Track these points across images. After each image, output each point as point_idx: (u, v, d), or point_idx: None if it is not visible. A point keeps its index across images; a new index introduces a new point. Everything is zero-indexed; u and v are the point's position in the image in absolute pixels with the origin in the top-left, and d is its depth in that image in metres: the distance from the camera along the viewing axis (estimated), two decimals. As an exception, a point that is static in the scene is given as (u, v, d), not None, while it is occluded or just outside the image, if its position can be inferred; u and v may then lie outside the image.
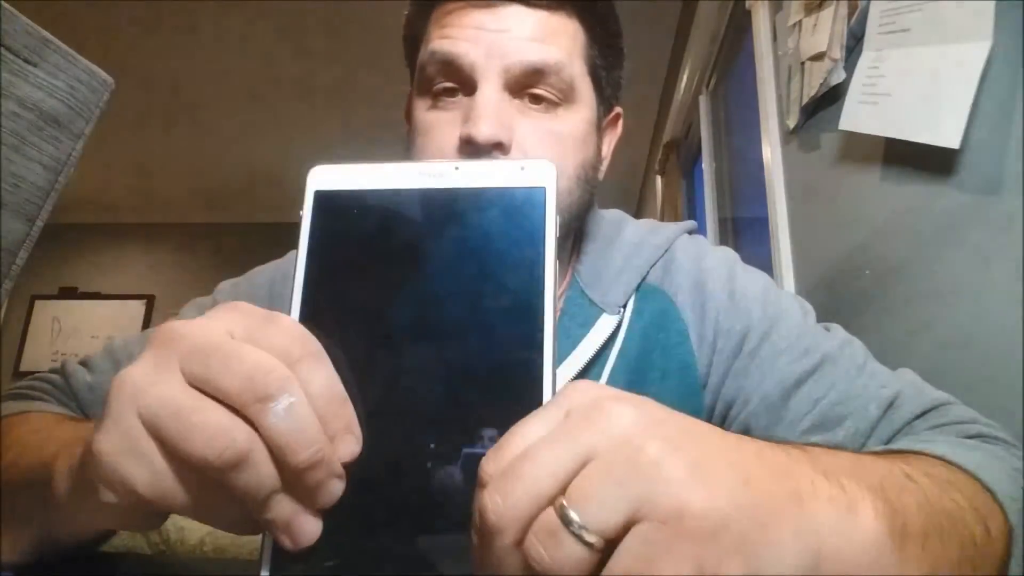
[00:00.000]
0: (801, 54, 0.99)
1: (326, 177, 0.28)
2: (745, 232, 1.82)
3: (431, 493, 0.24)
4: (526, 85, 0.51)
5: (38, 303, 3.99)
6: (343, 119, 3.07)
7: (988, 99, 0.59)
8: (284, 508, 0.24)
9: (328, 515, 0.24)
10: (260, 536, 0.26)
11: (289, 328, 0.25)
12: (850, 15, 0.85)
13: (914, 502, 0.29)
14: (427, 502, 0.24)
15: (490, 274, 0.26)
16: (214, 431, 0.23)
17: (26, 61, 0.25)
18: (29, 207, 0.27)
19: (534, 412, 0.24)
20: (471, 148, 0.48)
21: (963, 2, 0.62)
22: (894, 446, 0.40)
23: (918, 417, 0.45)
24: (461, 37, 0.50)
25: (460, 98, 0.51)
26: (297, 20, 2.37)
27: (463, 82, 0.51)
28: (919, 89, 0.67)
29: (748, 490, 0.22)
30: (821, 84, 0.91)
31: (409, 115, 0.59)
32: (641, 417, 0.23)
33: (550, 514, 0.21)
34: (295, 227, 0.28)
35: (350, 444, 0.25)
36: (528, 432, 0.23)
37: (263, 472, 0.23)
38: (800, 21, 1.00)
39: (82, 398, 0.54)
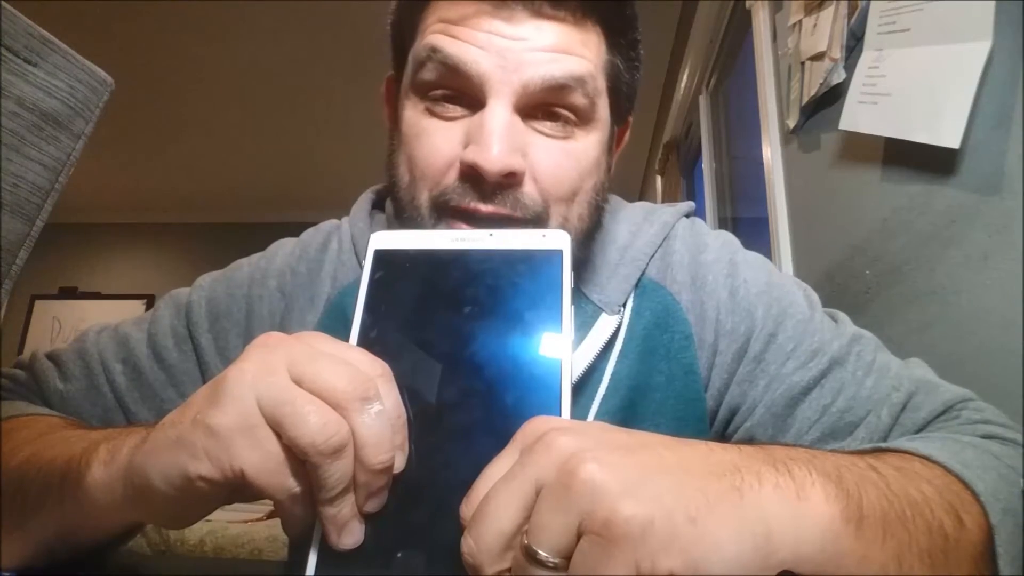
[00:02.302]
0: (801, 54, 0.99)
1: (384, 239, 0.34)
2: (745, 232, 1.82)
3: (454, 525, 0.27)
4: (544, 103, 0.45)
5: (38, 303, 3.99)
6: (345, 120, 3.07)
7: (988, 99, 0.59)
8: (348, 506, 0.27)
9: (370, 527, 0.28)
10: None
11: (366, 353, 0.29)
12: (850, 15, 0.85)
13: (873, 490, 0.29)
14: (454, 529, 0.27)
15: (517, 321, 0.31)
16: (325, 420, 0.26)
17: (26, 61, 0.25)
18: (29, 207, 0.27)
19: (499, 454, 0.27)
20: (476, 177, 0.42)
21: (963, 2, 0.62)
22: (881, 444, 0.40)
23: (930, 422, 0.44)
24: (469, 40, 0.43)
25: (461, 109, 0.45)
26: (302, 19, 2.37)
27: (468, 94, 0.44)
28: (919, 89, 0.67)
29: (677, 491, 0.24)
30: (821, 84, 0.91)
31: (390, 99, 0.52)
32: (578, 443, 0.25)
33: (519, 552, 0.24)
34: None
35: (400, 459, 0.28)
36: (491, 474, 0.26)
37: (349, 466, 0.26)
38: (800, 21, 1.00)
39: (53, 404, 0.51)
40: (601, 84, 0.47)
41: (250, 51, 2.58)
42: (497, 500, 0.25)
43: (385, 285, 0.33)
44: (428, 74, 0.45)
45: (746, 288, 0.51)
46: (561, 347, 0.30)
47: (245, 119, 3.13)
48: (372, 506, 0.27)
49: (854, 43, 0.84)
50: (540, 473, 0.25)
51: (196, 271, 0.59)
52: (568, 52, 0.44)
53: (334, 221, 0.60)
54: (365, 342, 0.31)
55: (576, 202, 0.47)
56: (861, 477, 0.29)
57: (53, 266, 3.98)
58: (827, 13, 0.91)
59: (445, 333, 0.31)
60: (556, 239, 0.33)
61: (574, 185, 0.46)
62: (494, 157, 0.41)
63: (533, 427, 0.27)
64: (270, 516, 2.14)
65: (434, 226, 0.44)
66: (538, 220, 0.44)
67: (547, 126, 0.45)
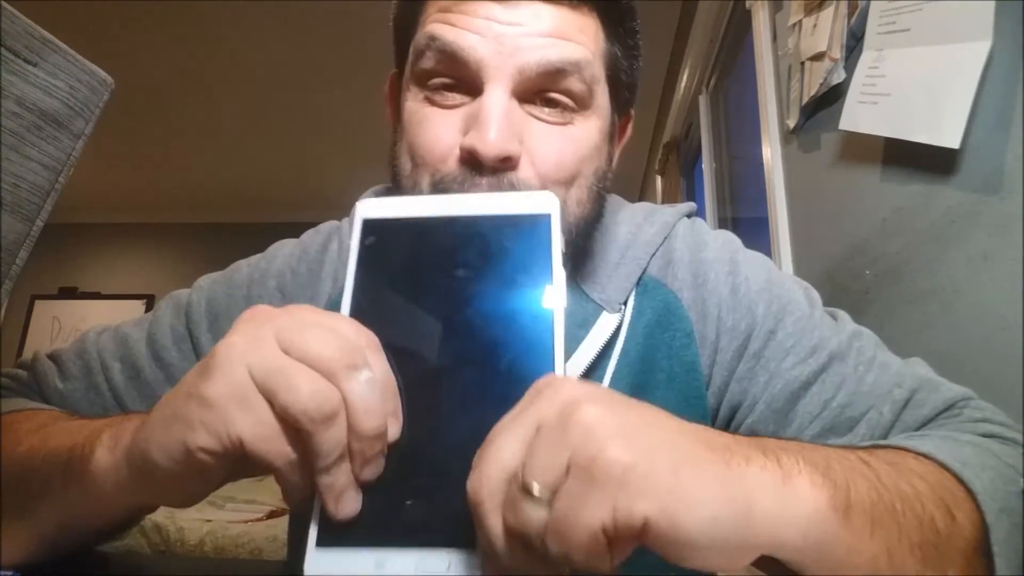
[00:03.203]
0: (801, 54, 0.99)
1: (371, 207, 0.33)
2: (745, 232, 1.82)
3: (452, 490, 0.27)
4: (541, 88, 0.45)
5: (38, 303, 3.99)
6: (346, 121, 3.07)
7: (988, 99, 0.59)
8: (343, 475, 0.27)
9: (368, 497, 0.28)
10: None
11: (354, 323, 0.29)
12: (850, 15, 0.85)
13: (863, 482, 0.29)
14: (452, 495, 0.27)
15: (506, 284, 0.31)
16: (315, 387, 0.26)
17: (26, 61, 0.25)
18: (29, 207, 0.27)
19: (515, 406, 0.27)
20: (475, 161, 0.43)
21: (963, 2, 0.62)
22: (878, 441, 0.40)
23: (931, 420, 0.44)
24: (466, 27, 0.44)
25: (460, 96, 0.46)
26: (301, 20, 2.37)
27: (466, 80, 0.45)
28: (919, 89, 0.67)
29: (668, 447, 0.24)
30: (821, 84, 0.91)
31: (393, 97, 0.53)
32: (582, 389, 0.26)
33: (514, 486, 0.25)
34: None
35: (394, 426, 0.28)
36: (503, 421, 0.27)
37: (342, 433, 0.26)
38: (800, 21, 1.00)
39: (52, 403, 0.51)
40: (599, 71, 0.47)
41: (250, 51, 2.58)
42: (502, 438, 0.25)
43: (374, 254, 0.32)
44: (427, 62, 0.45)
45: (747, 285, 0.51)
46: (553, 308, 0.30)
47: (245, 119, 3.13)
48: (368, 473, 0.27)
49: (854, 43, 0.84)
50: (542, 413, 0.25)
51: (196, 271, 0.59)
52: (565, 37, 0.45)
53: (334, 222, 0.60)
54: (356, 311, 0.31)
55: (575, 186, 0.47)
56: (850, 469, 0.30)
57: (53, 266, 3.98)
58: (827, 13, 0.91)
59: (435, 300, 0.31)
60: (544, 201, 0.32)
61: (572, 169, 0.46)
62: (491, 142, 0.42)
63: (545, 379, 0.27)
64: (270, 516, 2.14)
65: None
66: None
67: (545, 112, 0.46)
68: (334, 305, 0.52)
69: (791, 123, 1.05)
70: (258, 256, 0.59)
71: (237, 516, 2.00)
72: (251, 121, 3.15)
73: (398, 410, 0.28)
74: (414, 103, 0.47)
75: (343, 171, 3.42)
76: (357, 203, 0.34)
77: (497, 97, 0.43)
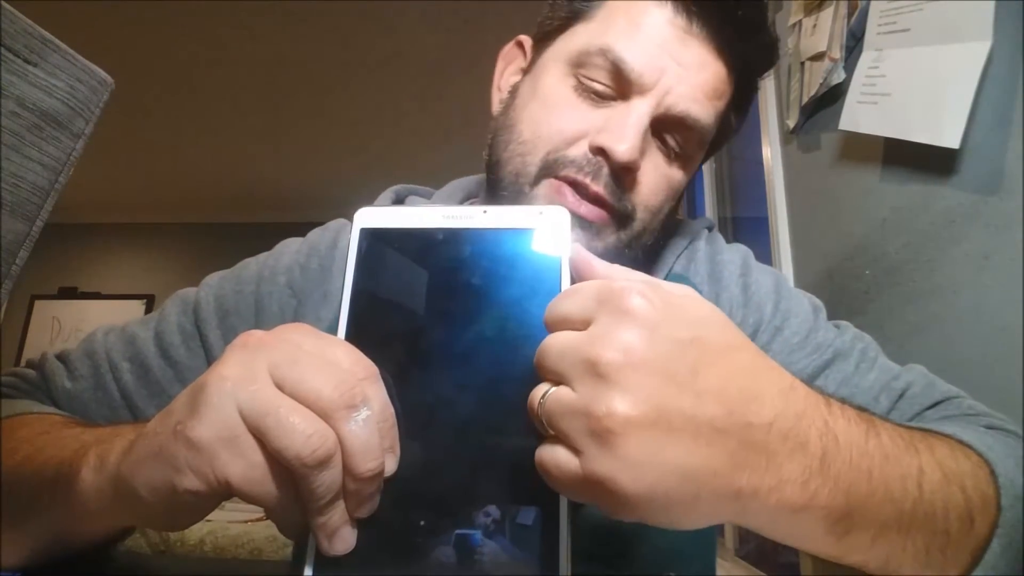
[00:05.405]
0: (801, 54, 0.98)
1: (371, 216, 0.31)
2: (745, 232, 1.82)
3: (452, 519, 0.27)
4: (667, 128, 0.49)
5: (38, 303, 3.99)
6: (347, 121, 3.07)
7: (988, 99, 0.59)
8: (338, 514, 0.26)
9: (364, 527, 0.27)
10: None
11: (352, 350, 0.28)
12: (850, 15, 0.85)
13: (877, 495, 0.28)
14: (459, 511, 0.27)
15: (514, 304, 0.29)
16: (310, 431, 0.25)
17: (26, 61, 0.25)
18: (29, 207, 0.27)
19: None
20: (602, 158, 0.46)
21: (963, 2, 0.62)
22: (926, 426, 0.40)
23: (929, 408, 0.46)
24: (646, 50, 0.47)
25: (607, 98, 0.48)
26: (302, 20, 2.37)
27: (620, 87, 0.48)
28: (919, 89, 0.67)
29: (695, 347, 0.25)
30: (821, 84, 0.91)
31: (515, 62, 0.57)
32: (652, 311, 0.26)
33: None
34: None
35: (391, 463, 0.27)
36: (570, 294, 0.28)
37: (337, 475, 0.25)
38: (800, 21, 1.00)
39: (60, 404, 0.51)
40: (712, 129, 0.51)
41: (251, 51, 2.58)
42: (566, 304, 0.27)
43: (373, 267, 0.30)
44: (596, 62, 0.48)
45: (757, 287, 0.55)
46: None
47: (246, 119, 3.13)
48: (364, 512, 0.27)
49: (854, 43, 0.84)
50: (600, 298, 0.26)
51: (196, 271, 0.59)
52: (710, 98, 0.49)
53: (342, 220, 0.61)
54: (353, 330, 0.29)
55: (656, 219, 0.51)
56: (868, 474, 0.28)
57: (53, 266, 3.98)
58: (827, 13, 0.91)
59: (438, 319, 0.29)
60: (555, 216, 0.31)
61: (662, 204, 0.51)
62: (625, 149, 0.45)
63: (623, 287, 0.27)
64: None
65: (531, 187, 0.48)
66: (626, 218, 0.48)
67: (662, 146, 0.50)
68: None
69: (791, 123, 1.05)
70: (265, 254, 0.60)
71: (237, 516, 2.00)
72: (252, 121, 3.15)
73: (395, 445, 0.27)
74: (560, 82, 0.50)
75: (345, 171, 3.42)
76: (357, 212, 0.32)
77: (643, 112, 0.46)
